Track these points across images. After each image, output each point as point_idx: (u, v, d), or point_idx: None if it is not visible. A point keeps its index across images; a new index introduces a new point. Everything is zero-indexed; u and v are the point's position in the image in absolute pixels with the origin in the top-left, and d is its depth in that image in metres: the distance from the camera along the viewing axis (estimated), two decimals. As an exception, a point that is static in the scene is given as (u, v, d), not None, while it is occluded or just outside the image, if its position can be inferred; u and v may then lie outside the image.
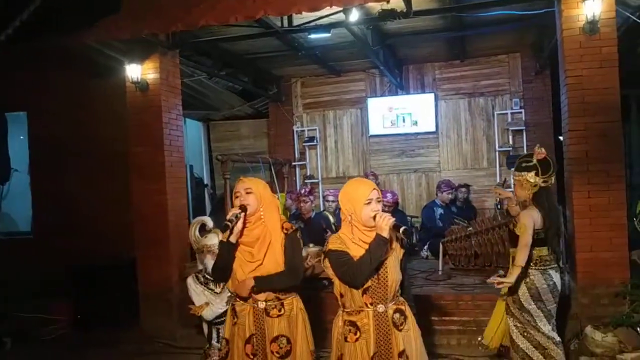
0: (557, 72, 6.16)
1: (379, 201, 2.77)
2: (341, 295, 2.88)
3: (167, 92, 6.16)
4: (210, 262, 4.20)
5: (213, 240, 4.19)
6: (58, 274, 6.76)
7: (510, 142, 8.82)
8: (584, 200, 5.01)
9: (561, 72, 5.30)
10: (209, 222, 4.55)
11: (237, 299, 3.11)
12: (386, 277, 2.75)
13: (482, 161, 9.07)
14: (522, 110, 8.74)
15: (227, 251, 3.02)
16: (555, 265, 4.14)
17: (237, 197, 3.07)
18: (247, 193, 3.05)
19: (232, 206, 3.09)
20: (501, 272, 5.98)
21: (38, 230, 8.29)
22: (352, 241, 2.81)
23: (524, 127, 8.67)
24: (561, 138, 9.11)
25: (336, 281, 2.87)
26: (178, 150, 6.33)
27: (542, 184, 4.02)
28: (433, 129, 9.11)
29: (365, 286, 2.74)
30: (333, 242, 2.85)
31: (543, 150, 4.13)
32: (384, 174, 9.33)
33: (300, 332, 3.08)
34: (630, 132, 8.62)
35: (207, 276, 4.28)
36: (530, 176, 4.02)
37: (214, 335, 4.53)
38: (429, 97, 9.07)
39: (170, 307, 6.05)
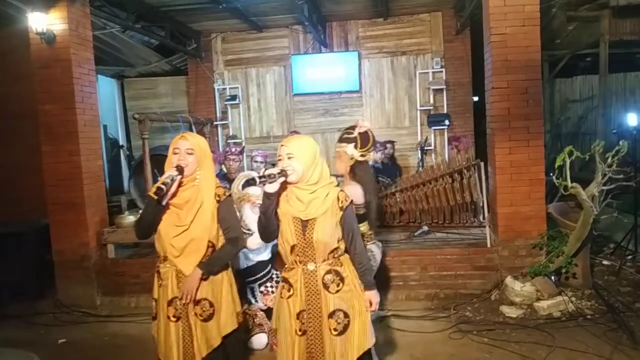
0: (477, 32, 6.24)
1: (289, 157, 2.67)
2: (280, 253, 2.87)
3: (78, 44, 5.69)
4: (247, 211, 4.14)
5: (256, 191, 3.91)
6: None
7: (431, 101, 8.99)
8: (505, 156, 5.18)
9: (485, 30, 5.37)
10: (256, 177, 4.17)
11: (161, 261, 2.94)
12: (311, 236, 2.69)
13: (404, 120, 9.20)
14: (443, 70, 8.90)
15: (153, 212, 2.83)
16: (375, 240, 4.00)
17: (175, 153, 2.85)
18: (188, 154, 2.85)
19: (161, 166, 2.87)
20: (425, 227, 6.17)
21: None
22: (285, 197, 2.77)
23: (444, 87, 8.85)
24: (475, 98, 9.43)
25: None
26: (92, 108, 5.90)
27: (360, 158, 3.77)
28: (357, 88, 9.14)
29: (292, 244, 2.71)
30: None
31: (366, 123, 3.90)
32: (309, 133, 9.24)
33: (225, 296, 2.96)
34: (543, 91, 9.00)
35: (241, 227, 3.96)
36: (349, 148, 3.77)
37: (249, 294, 4.40)
38: (353, 56, 9.03)
39: (89, 274, 5.75)
